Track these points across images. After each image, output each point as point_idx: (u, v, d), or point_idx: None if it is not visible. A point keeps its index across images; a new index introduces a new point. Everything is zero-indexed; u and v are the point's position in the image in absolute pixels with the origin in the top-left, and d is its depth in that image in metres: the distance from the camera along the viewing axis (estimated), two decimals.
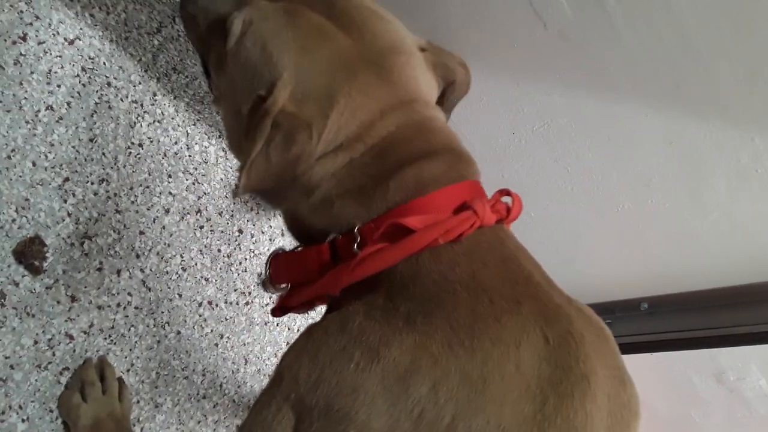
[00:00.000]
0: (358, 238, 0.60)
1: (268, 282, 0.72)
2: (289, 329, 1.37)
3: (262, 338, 1.34)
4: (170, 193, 1.19)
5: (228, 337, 1.27)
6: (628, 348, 1.30)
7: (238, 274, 1.30)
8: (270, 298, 1.35)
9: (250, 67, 0.65)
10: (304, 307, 0.72)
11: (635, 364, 1.32)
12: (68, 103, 1.06)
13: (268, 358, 1.34)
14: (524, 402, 0.50)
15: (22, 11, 1.00)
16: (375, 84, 0.64)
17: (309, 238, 0.67)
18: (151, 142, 1.18)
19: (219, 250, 1.27)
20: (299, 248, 0.69)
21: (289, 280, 0.69)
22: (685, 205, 1.02)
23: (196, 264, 1.23)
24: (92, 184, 1.08)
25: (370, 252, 0.59)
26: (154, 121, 1.19)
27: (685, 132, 0.90)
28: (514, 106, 0.98)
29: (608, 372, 0.55)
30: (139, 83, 1.18)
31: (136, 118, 1.17)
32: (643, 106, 0.89)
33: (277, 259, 0.70)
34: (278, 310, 0.72)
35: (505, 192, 0.68)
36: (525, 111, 0.98)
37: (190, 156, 1.24)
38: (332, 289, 0.61)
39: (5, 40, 0.98)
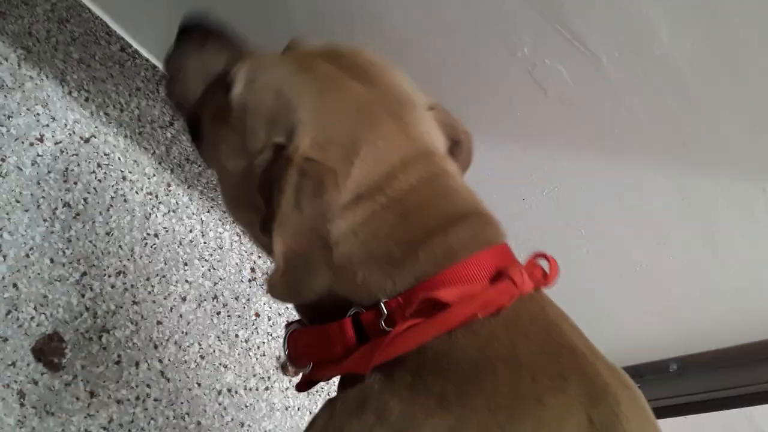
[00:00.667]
0: (385, 314, 0.55)
1: (287, 363, 0.67)
2: (310, 413, 1.34)
3: (283, 424, 1.30)
4: (186, 280, 1.20)
5: (249, 425, 1.24)
6: (659, 412, 1.25)
7: (257, 359, 1.28)
8: (290, 381, 1.32)
9: (262, 114, 0.61)
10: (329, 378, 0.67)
11: (668, 428, 1.27)
12: (85, 199, 1.08)
13: None
14: None
15: (38, 114, 1.04)
16: (396, 133, 0.61)
17: (321, 312, 0.61)
18: (167, 231, 1.20)
19: (237, 335, 1.26)
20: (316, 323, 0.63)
21: (310, 359, 0.63)
22: (704, 260, 1.00)
23: (214, 351, 1.22)
24: (109, 276, 1.08)
25: (402, 329, 0.53)
26: (168, 211, 1.21)
27: (696, 187, 0.90)
28: (522, 173, 0.99)
29: None
30: (154, 175, 1.20)
31: (151, 209, 1.19)
32: (651, 164, 0.89)
33: (294, 336, 0.64)
34: (304, 385, 0.66)
35: (541, 255, 0.64)
36: (533, 177, 0.99)
37: (205, 243, 1.26)
38: (362, 369, 0.55)
39: (23, 142, 1.01)
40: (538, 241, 1.08)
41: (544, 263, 0.64)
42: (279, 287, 0.58)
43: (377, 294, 0.56)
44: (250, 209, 0.63)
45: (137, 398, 1.07)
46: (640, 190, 0.94)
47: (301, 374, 0.65)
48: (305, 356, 0.63)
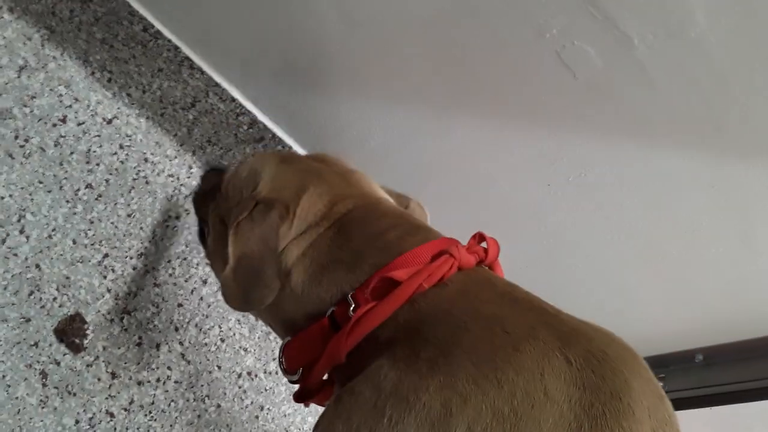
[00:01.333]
0: (353, 304, 0.65)
1: (283, 372, 0.76)
2: None
3: (302, 409, 1.31)
4: (208, 263, 1.20)
5: (268, 409, 1.25)
6: (684, 403, 1.23)
7: (277, 343, 1.28)
8: None
9: (238, 184, 0.81)
10: (326, 396, 0.74)
11: (693, 419, 1.26)
12: (107, 181, 1.08)
13: (309, 429, 1.31)
14: (559, 429, 0.49)
15: (61, 94, 1.03)
16: (337, 182, 0.79)
17: (300, 326, 0.72)
18: (188, 213, 1.20)
19: (257, 319, 1.26)
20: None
21: (301, 362, 0.71)
22: (734, 249, 0.98)
23: (234, 334, 1.22)
24: (131, 258, 1.09)
25: (363, 311, 0.63)
26: (190, 194, 1.21)
27: (728, 175, 0.88)
28: (548, 158, 0.97)
29: (642, 385, 0.53)
30: (175, 157, 1.20)
31: (173, 191, 1.18)
32: (682, 150, 0.87)
33: (286, 346, 0.74)
34: (298, 396, 0.75)
35: (479, 236, 0.74)
36: (560, 162, 0.97)
37: None
38: (337, 356, 0.64)
39: (46, 123, 1.01)
40: (563, 227, 1.07)
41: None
42: (231, 290, 0.73)
43: (344, 290, 0.68)
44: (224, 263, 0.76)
45: (158, 380, 1.08)
46: (670, 178, 0.92)
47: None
48: (296, 362, 0.72)
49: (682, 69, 0.77)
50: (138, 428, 1.03)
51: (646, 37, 0.75)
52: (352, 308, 0.65)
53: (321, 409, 1.32)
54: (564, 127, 0.92)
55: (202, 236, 0.97)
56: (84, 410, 0.97)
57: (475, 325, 0.58)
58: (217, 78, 1.10)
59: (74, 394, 0.97)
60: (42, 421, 0.93)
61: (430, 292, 0.63)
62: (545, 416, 0.49)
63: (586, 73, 0.83)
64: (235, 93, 1.11)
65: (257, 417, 1.22)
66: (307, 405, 0.78)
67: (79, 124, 1.05)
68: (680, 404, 1.23)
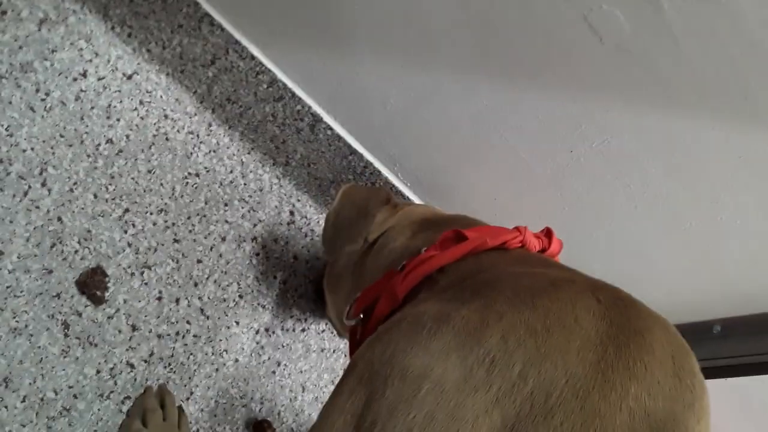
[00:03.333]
0: (423, 254, 0.73)
1: (348, 314, 0.85)
2: (345, 356, 1.36)
3: (319, 365, 1.33)
4: (226, 221, 1.21)
5: (285, 365, 1.27)
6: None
7: (294, 300, 1.30)
8: (326, 324, 1.34)
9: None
10: None
11: (709, 390, 1.25)
12: (127, 136, 1.08)
13: (325, 386, 1.33)
14: (587, 350, 0.51)
15: (82, 48, 1.03)
16: (403, 211, 0.95)
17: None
18: (207, 171, 1.20)
19: (275, 277, 1.27)
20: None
21: (366, 302, 0.79)
22: (758, 221, 0.96)
23: (252, 291, 1.23)
24: (151, 214, 1.10)
25: (425, 256, 0.71)
26: (209, 151, 1.21)
27: (755, 144, 0.85)
28: (571, 124, 0.95)
29: (667, 335, 0.55)
30: (195, 114, 1.20)
31: (193, 148, 1.19)
32: (708, 118, 0.85)
33: (360, 296, 0.81)
34: (356, 346, 0.80)
35: (547, 230, 0.82)
36: (583, 128, 0.95)
37: (245, 184, 1.26)
38: (395, 295, 0.71)
39: (66, 77, 1.01)
40: (585, 194, 1.05)
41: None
42: (327, 229, 0.99)
43: (428, 241, 0.78)
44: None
45: (177, 333, 1.10)
46: (695, 146, 0.90)
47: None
48: (362, 303, 0.79)
49: (712, 34, 0.75)
50: (157, 379, 1.06)
51: (675, 1, 0.73)
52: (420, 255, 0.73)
53: (338, 366, 1.34)
54: (589, 93, 0.90)
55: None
56: (105, 360, 1.00)
57: (522, 273, 0.64)
58: (237, 35, 1.08)
59: (95, 345, 0.99)
60: (64, 370, 0.95)
61: (493, 253, 0.71)
62: (574, 337, 0.52)
63: (614, 37, 0.81)
64: (255, 51, 1.10)
65: (274, 372, 1.24)
66: None
67: (99, 79, 1.05)
68: None
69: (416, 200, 1.26)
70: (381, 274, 0.81)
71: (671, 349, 0.54)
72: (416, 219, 0.90)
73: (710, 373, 1.22)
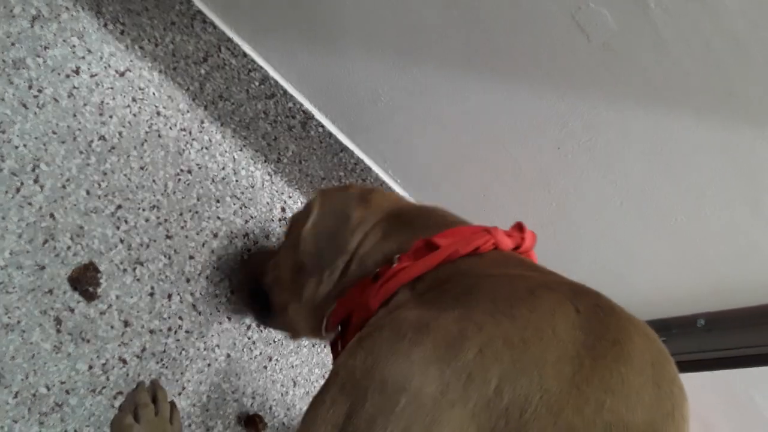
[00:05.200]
0: (396, 263, 0.72)
1: (323, 336, 0.88)
2: None
3: (310, 360, 1.34)
4: (218, 217, 1.21)
5: (276, 360, 1.28)
6: (685, 366, 1.25)
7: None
8: None
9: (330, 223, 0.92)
10: None
11: (693, 382, 1.27)
12: (120, 133, 1.09)
13: (317, 380, 1.34)
14: (563, 364, 0.51)
15: (74, 46, 1.04)
16: (375, 203, 0.89)
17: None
18: (200, 168, 1.21)
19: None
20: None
21: (342, 316, 0.79)
22: (742, 216, 0.98)
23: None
24: (143, 210, 1.10)
25: (399, 267, 0.70)
26: (202, 148, 1.22)
27: (739, 141, 0.87)
28: (558, 121, 0.97)
29: (647, 342, 0.56)
30: (187, 111, 1.20)
31: (185, 145, 1.19)
32: (694, 115, 0.87)
33: (335, 308, 0.81)
34: (336, 353, 0.82)
35: (518, 225, 0.81)
36: (570, 125, 0.97)
37: (237, 181, 1.27)
38: (371, 303, 0.71)
39: (59, 74, 1.01)
40: (572, 190, 1.07)
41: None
42: (308, 245, 0.87)
43: (401, 247, 0.77)
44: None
45: (169, 329, 1.11)
46: (681, 143, 0.92)
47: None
48: (338, 317, 0.80)
49: (697, 33, 0.77)
50: (150, 375, 1.06)
51: (662, 0, 0.74)
52: (394, 265, 0.72)
53: (328, 361, 1.35)
54: (576, 91, 0.92)
55: (255, 297, 1.12)
56: (97, 356, 1.00)
57: (500, 279, 0.64)
58: (230, 33, 1.09)
59: (88, 341, 1.00)
60: (56, 365, 0.96)
61: (469, 258, 0.70)
62: (551, 350, 0.52)
63: (601, 35, 0.82)
64: (247, 48, 1.11)
65: (266, 367, 1.25)
66: None
67: (92, 76, 1.06)
68: (681, 367, 1.24)
69: (406, 196, 1.27)
70: (354, 282, 0.81)
71: (650, 357, 0.54)
72: (386, 212, 0.87)
73: (694, 365, 1.24)
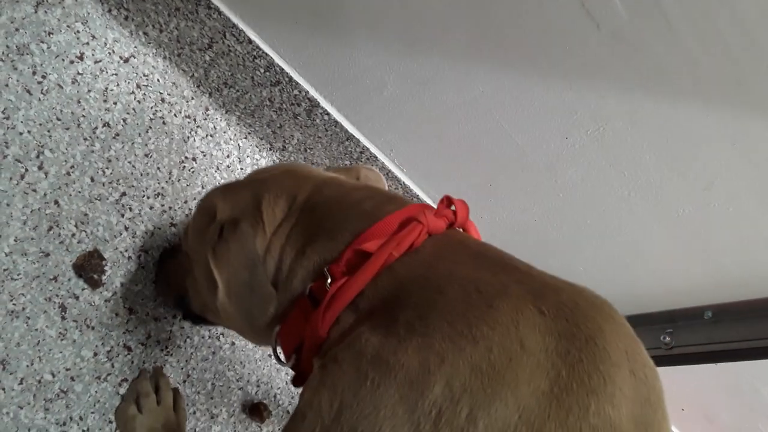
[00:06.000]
0: (329, 278, 0.66)
1: (280, 363, 0.77)
2: None
3: None
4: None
5: None
6: (691, 358, 1.24)
7: None
8: None
9: (198, 231, 0.83)
10: None
11: (699, 374, 1.27)
12: (124, 120, 1.08)
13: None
14: (537, 378, 0.50)
15: (78, 31, 1.03)
16: (285, 179, 0.80)
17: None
18: (204, 155, 1.20)
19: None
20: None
21: (292, 346, 0.73)
22: (750, 208, 0.97)
23: None
24: (148, 198, 1.10)
25: (337, 286, 0.64)
26: (206, 135, 1.21)
27: (748, 132, 0.86)
28: (566, 110, 0.96)
29: (617, 329, 0.55)
30: (192, 98, 1.20)
31: (190, 132, 1.19)
32: (703, 105, 0.86)
33: (278, 334, 0.74)
34: (295, 380, 0.75)
35: (447, 199, 0.75)
36: (578, 115, 0.96)
37: (241, 168, 1.26)
38: (318, 333, 0.65)
39: (63, 60, 1.01)
40: (579, 180, 1.06)
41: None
42: (233, 316, 0.75)
43: (321, 266, 0.69)
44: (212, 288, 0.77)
45: (174, 316, 1.11)
46: (689, 133, 0.91)
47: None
48: (288, 342, 0.73)
49: (707, 21, 0.76)
50: (155, 362, 1.07)
51: None
52: (328, 282, 0.66)
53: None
54: (585, 80, 0.91)
55: (189, 310, 1.00)
56: (102, 343, 1.01)
57: (449, 288, 0.59)
58: (235, 19, 1.08)
59: (92, 328, 1.00)
60: (61, 352, 0.96)
61: (406, 258, 0.65)
62: (522, 367, 0.50)
63: (610, 24, 0.81)
64: (252, 35, 1.10)
65: (270, 356, 1.25)
66: (299, 386, 0.78)
67: (96, 62, 1.05)
68: (688, 359, 1.24)
69: (411, 185, 1.27)
70: (289, 305, 0.73)
71: (624, 346, 0.53)
72: (297, 209, 0.76)
73: (701, 357, 1.23)
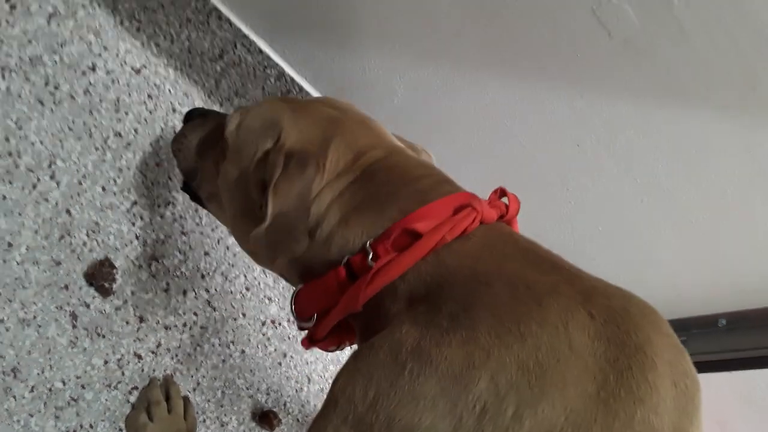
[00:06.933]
0: (371, 253, 0.64)
1: (295, 318, 0.75)
2: (351, 348, 1.37)
3: (324, 357, 1.34)
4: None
5: (291, 356, 1.27)
6: (705, 366, 1.23)
7: None
8: None
9: (252, 134, 0.77)
10: (334, 342, 0.76)
11: (713, 383, 1.26)
12: (135, 130, 1.09)
13: (331, 377, 1.34)
14: (585, 381, 0.49)
15: (91, 42, 1.04)
16: (360, 130, 0.77)
17: (314, 274, 0.71)
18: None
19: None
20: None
21: (314, 310, 0.71)
22: (765, 215, 0.97)
23: (259, 283, 1.24)
24: (159, 207, 1.10)
25: (384, 262, 0.63)
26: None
27: (762, 138, 0.86)
28: (578, 118, 0.95)
29: (664, 339, 0.54)
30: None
31: None
32: (716, 112, 0.85)
33: (299, 294, 0.73)
34: (307, 341, 0.74)
35: (501, 191, 0.73)
36: (590, 122, 0.95)
37: None
38: (354, 305, 0.64)
39: (75, 71, 1.01)
40: (591, 187, 1.06)
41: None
42: (260, 248, 0.71)
43: (363, 239, 0.67)
44: (249, 219, 0.76)
45: (184, 325, 1.11)
46: (702, 140, 0.90)
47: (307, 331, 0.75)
48: (308, 306, 0.72)
49: (721, 27, 0.75)
50: (165, 370, 1.07)
51: None
52: (370, 257, 0.64)
53: (343, 358, 1.35)
54: (596, 87, 0.90)
55: (190, 184, 0.95)
56: (113, 351, 1.01)
57: (497, 282, 0.57)
58: (245, 29, 1.09)
59: (103, 336, 1.00)
60: (72, 360, 0.96)
61: (455, 245, 0.63)
62: (570, 369, 0.50)
63: (622, 31, 0.81)
64: (263, 45, 1.10)
65: (280, 364, 1.25)
66: (308, 348, 0.78)
67: (108, 73, 1.06)
68: (701, 367, 1.22)
69: None
70: (318, 268, 0.70)
71: (669, 356, 0.53)
72: (358, 169, 0.73)
73: (715, 366, 1.22)
